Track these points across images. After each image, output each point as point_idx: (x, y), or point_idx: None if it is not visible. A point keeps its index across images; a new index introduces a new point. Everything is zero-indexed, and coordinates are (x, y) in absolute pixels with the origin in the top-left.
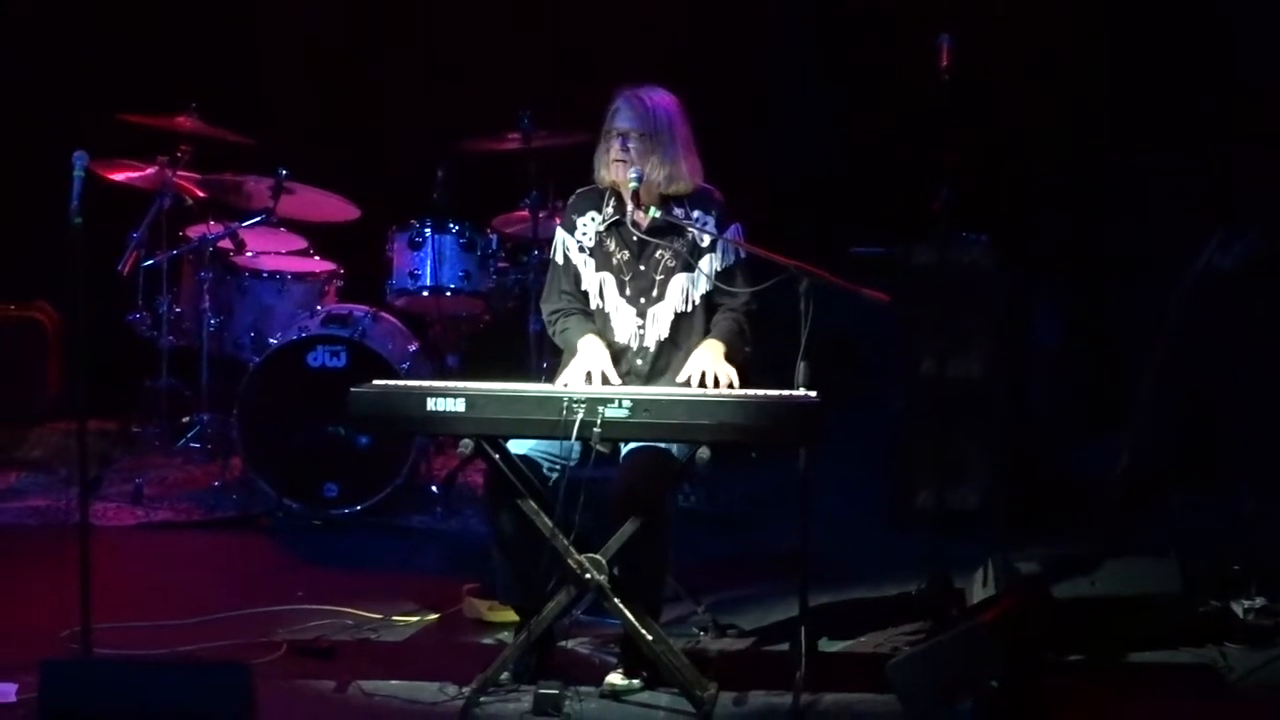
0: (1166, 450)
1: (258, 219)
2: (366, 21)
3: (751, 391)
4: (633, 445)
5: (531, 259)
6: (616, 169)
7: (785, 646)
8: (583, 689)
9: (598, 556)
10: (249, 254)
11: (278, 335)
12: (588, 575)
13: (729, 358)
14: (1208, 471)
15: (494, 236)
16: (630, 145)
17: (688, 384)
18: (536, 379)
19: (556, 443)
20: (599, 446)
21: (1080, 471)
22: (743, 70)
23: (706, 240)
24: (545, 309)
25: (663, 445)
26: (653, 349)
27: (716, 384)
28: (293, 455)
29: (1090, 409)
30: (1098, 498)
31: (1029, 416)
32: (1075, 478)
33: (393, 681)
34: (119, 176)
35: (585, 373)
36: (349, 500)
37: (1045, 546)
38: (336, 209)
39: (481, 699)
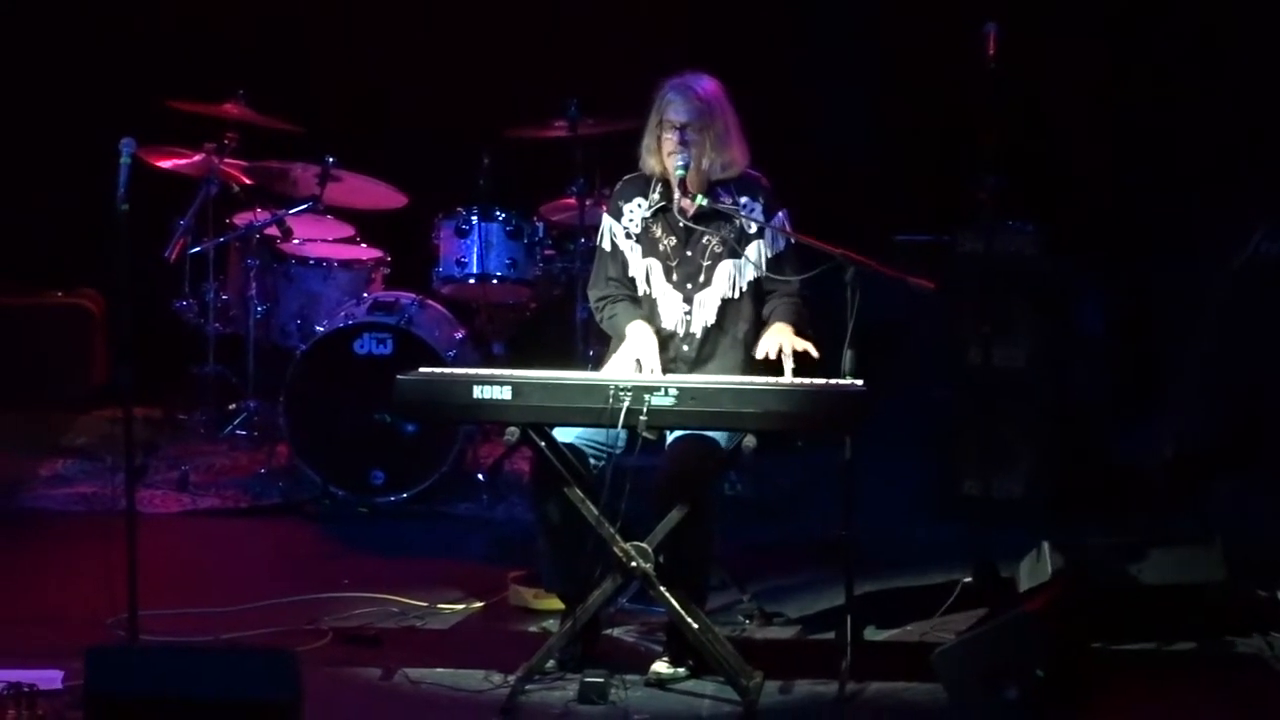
0: (1212, 437)
1: (304, 206)
2: (413, 9)
3: (797, 380)
4: (678, 433)
5: (578, 246)
6: (671, 161)
7: (831, 635)
8: (628, 677)
9: (643, 544)
10: (295, 241)
11: (324, 322)
12: (633, 563)
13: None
14: (1254, 458)
15: (540, 224)
16: (688, 138)
17: (765, 358)
18: (583, 367)
19: (602, 431)
20: (645, 434)
21: (1126, 458)
22: (788, 56)
23: (753, 227)
24: (592, 295)
25: (708, 433)
26: (699, 335)
27: (795, 354)
28: (339, 442)
29: (1136, 396)
30: (1144, 485)
31: (1075, 404)
32: (1121, 465)
33: (438, 669)
34: (166, 163)
35: (634, 361)
36: (395, 488)
37: (1091, 534)
38: (383, 196)
39: (527, 687)
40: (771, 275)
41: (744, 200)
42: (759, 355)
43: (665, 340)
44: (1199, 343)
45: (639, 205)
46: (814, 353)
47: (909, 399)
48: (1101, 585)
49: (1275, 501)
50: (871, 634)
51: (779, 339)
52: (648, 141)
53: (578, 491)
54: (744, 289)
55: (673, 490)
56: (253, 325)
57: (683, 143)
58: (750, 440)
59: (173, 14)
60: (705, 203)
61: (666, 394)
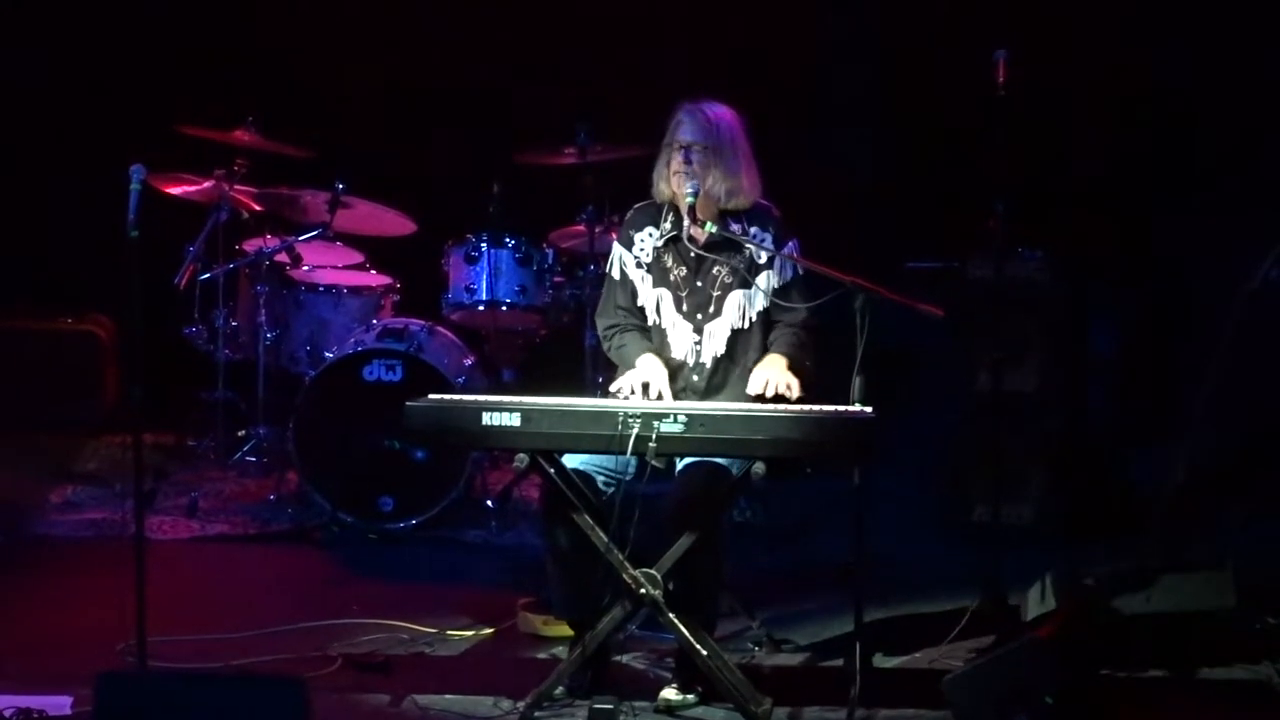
0: (1224, 463)
1: (314, 233)
2: (423, 36)
3: (807, 407)
4: (688, 460)
5: (588, 273)
6: (678, 181)
7: (840, 662)
8: (637, 704)
9: (653, 571)
10: (305, 268)
11: (333, 349)
12: (643, 590)
13: (792, 371)
14: (1266, 485)
15: (550, 251)
16: (693, 158)
17: (758, 397)
18: (592, 393)
19: (612, 457)
20: (654, 461)
21: (1138, 484)
22: (799, 84)
23: (764, 257)
24: (600, 324)
25: (718, 460)
26: (709, 365)
27: (779, 396)
28: (348, 469)
29: (1148, 421)
30: (1155, 510)
31: (1085, 429)
32: (1133, 490)
33: (447, 696)
34: (176, 190)
35: (642, 382)
36: (404, 514)
37: (1102, 560)
38: (393, 223)
39: (536, 713)
40: (778, 303)
41: (754, 230)
42: (749, 390)
43: (675, 370)
44: (1210, 368)
45: (650, 234)
46: (795, 393)
47: (919, 425)
48: (1111, 612)
49: None
50: (881, 661)
51: (767, 375)
52: (659, 166)
53: (587, 518)
54: (754, 319)
55: (682, 517)
56: (262, 351)
57: (687, 161)
58: (759, 467)
59: (183, 40)
60: (715, 230)
61: (676, 421)
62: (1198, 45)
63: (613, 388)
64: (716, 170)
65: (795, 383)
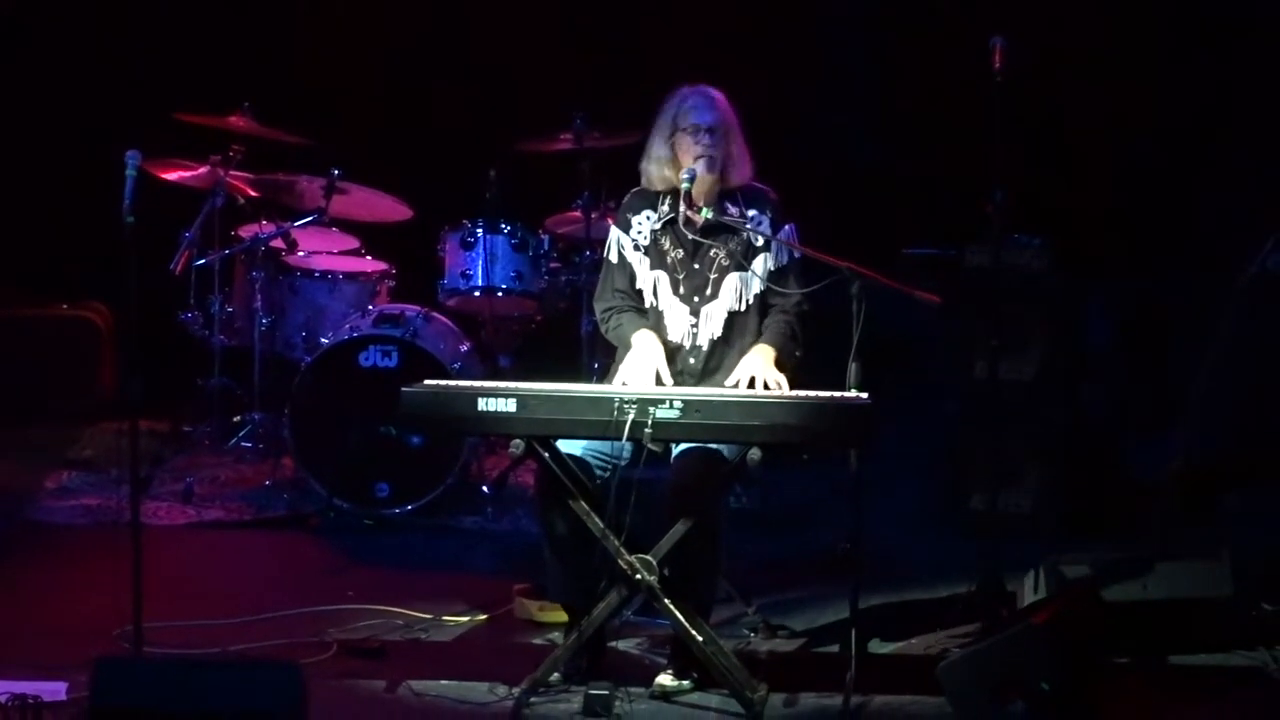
0: (1222, 451)
1: (310, 219)
2: (419, 22)
3: (803, 392)
4: (684, 446)
5: (583, 259)
6: (703, 165)
7: (836, 648)
8: (633, 690)
9: (648, 557)
10: (301, 253)
11: (329, 335)
12: (638, 576)
13: (779, 362)
14: (1264, 473)
15: (546, 237)
16: (713, 139)
17: (736, 387)
18: (588, 379)
19: (608, 443)
20: (650, 447)
21: (1136, 473)
22: (796, 70)
23: (760, 240)
24: (598, 307)
25: (714, 446)
26: (705, 348)
27: (766, 388)
28: (344, 455)
29: (1146, 410)
30: (1153, 500)
31: (1083, 417)
32: (1131, 479)
33: (443, 681)
34: (172, 176)
35: (654, 373)
36: (400, 500)
37: (1099, 549)
38: (389, 209)
39: (532, 699)
40: (773, 288)
41: (752, 213)
42: (729, 383)
43: (672, 353)
44: (1208, 356)
45: (647, 217)
46: (785, 386)
47: (916, 413)
48: (1108, 599)
49: None
50: (876, 647)
51: (751, 369)
52: (658, 152)
53: (583, 504)
54: (750, 302)
55: (678, 503)
56: (258, 338)
57: (710, 142)
58: (755, 453)
59: (179, 27)
60: (712, 215)
61: (672, 407)
62: (1198, 41)
63: (616, 378)
64: (730, 150)
65: (783, 380)
